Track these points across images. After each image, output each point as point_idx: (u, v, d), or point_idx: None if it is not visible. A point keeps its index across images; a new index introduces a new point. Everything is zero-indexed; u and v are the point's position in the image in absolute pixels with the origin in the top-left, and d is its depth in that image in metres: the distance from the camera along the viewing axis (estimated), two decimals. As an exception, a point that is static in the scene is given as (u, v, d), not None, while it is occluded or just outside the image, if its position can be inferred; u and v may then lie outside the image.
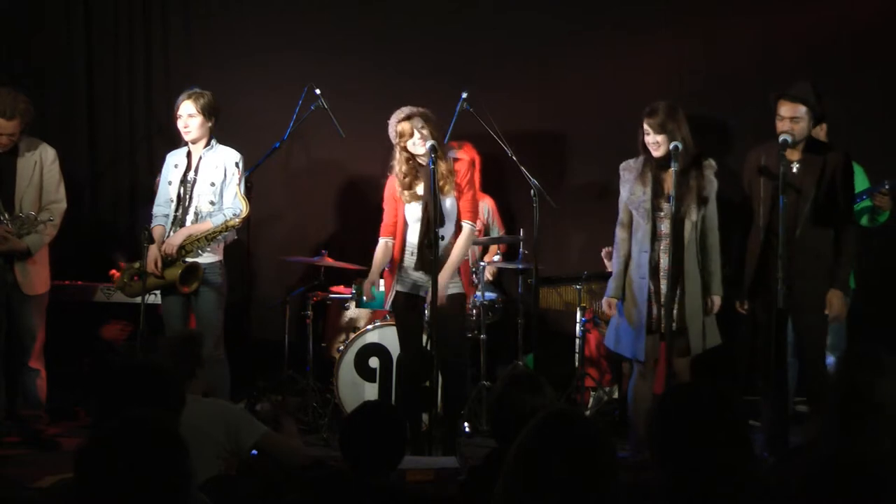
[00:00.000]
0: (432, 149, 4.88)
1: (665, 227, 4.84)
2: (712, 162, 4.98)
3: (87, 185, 6.70)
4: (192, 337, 3.94)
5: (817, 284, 4.90)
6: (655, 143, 4.85)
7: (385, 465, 3.08)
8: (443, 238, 5.05)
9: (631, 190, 4.98)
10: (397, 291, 5.17)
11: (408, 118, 5.00)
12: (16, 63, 6.48)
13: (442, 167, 5.01)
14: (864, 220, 5.54)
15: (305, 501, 2.76)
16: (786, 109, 4.85)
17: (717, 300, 4.97)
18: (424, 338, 5.41)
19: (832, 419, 2.92)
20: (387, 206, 5.25)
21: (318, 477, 2.87)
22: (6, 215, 5.33)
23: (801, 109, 4.83)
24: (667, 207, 4.84)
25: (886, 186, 5.40)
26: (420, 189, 5.08)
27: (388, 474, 3.10)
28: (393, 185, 5.19)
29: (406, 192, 5.10)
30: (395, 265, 5.17)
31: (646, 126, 4.86)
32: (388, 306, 5.27)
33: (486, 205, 6.36)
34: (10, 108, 5.22)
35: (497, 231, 6.34)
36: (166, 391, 2.95)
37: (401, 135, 5.02)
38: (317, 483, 2.82)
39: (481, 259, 6.25)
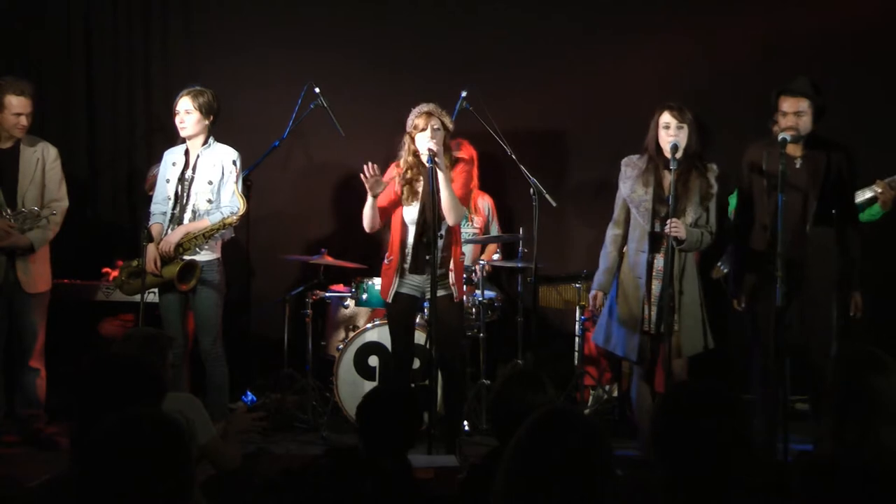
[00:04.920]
0: (430, 160, 4.89)
1: (666, 226, 4.85)
2: (714, 166, 4.99)
3: (87, 184, 6.69)
4: (157, 338, 3.88)
5: (825, 282, 4.90)
6: (676, 134, 4.86)
7: (399, 447, 3.12)
8: (441, 237, 5.06)
9: (632, 188, 4.98)
10: (398, 292, 5.17)
11: (428, 114, 5.03)
12: (16, 61, 6.46)
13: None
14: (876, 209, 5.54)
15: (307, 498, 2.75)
16: (788, 104, 4.82)
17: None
18: (423, 337, 5.42)
19: (831, 417, 2.92)
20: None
21: (329, 460, 2.84)
22: (8, 211, 5.35)
23: (804, 104, 4.80)
24: (666, 209, 4.85)
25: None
26: (420, 187, 5.09)
27: (401, 458, 3.13)
28: (393, 173, 5.19)
29: (406, 188, 5.10)
30: (394, 268, 5.17)
31: (668, 118, 4.87)
32: (389, 299, 5.25)
33: (487, 203, 6.37)
34: (24, 87, 5.36)
35: (496, 231, 6.35)
36: (146, 385, 2.94)
37: (415, 126, 5.04)
38: (328, 464, 2.79)
39: (480, 257, 6.26)
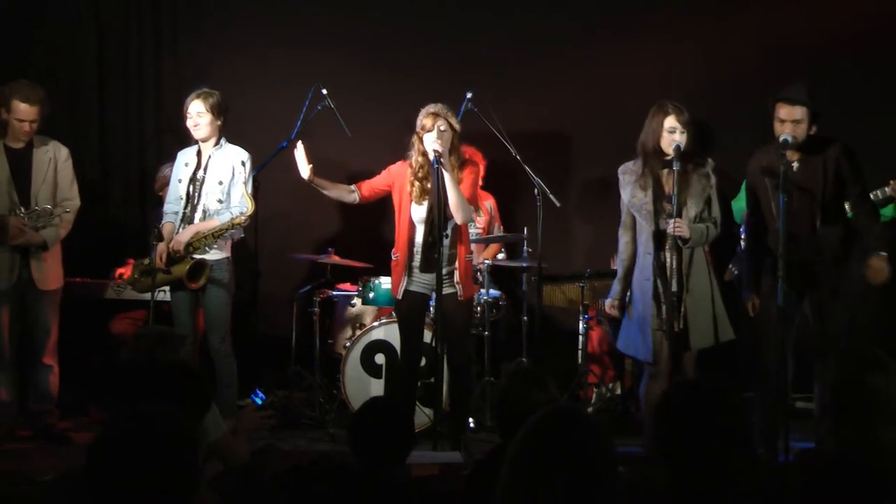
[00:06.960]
0: (436, 160, 4.96)
1: (669, 226, 4.89)
2: (709, 160, 5.05)
3: (98, 184, 6.75)
4: (169, 336, 3.91)
5: (835, 279, 4.94)
6: (681, 138, 4.90)
7: (393, 459, 3.14)
8: (447, 236, 5.12)
9: (632, 193, 5.02)
10: (407, 289, 5.23)
11: (434, 115, 5.10)
12: (26, 63, 6.52)
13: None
14: (890, 210, 5.57)
15: (315, 494, 2.81)
16: (786, 112, 4.86)
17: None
18: (429, 335, 5.48)
19: (832, 416, 2.96)
20: (382, 174, 5.37)
21: (327, 470, 2.91)
22: (22, 209, 5.41)
23: (800, 111, 4.84)
24: (669, 208, 4.90)
25: None
26: (430, 186, 5.14)
27: (395, 468, 3.16)
28: (401, 171, 5.26)
29: (417, 186, 5.16)
30: (402, 265, 5.23)
31: (674, 122, 4.91)
32: (399, 296, 5.29)
33: (490, 203, 6.42)
34: (32, 94, 5.36)
35: (498, 230, 6.40)
36: (194, 393, 2.98)
37: (422, 126, 5.11)
38: (326, 476, 2.86)
39: (483, 257, 6.30)
